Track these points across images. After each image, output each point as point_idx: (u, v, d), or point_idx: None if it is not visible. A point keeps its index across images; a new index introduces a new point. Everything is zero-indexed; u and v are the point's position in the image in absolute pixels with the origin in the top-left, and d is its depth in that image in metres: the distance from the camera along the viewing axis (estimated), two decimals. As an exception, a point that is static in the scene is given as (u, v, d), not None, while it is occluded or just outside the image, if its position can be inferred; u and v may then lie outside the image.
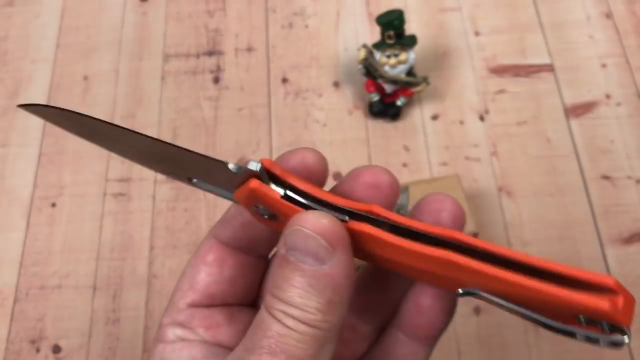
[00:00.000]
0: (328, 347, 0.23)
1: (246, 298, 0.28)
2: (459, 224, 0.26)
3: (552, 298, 0.21)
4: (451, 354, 0.51)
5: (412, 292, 0.27)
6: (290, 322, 0.23)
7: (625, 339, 0.21)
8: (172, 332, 0.26)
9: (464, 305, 0.52)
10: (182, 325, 0.27)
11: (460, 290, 0.24)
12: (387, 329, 0.28)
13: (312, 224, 0.23)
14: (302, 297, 0.23)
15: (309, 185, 0.25)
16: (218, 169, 0.25)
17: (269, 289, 0.24)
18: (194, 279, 0.27)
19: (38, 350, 0.52)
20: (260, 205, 0.25)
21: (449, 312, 0.27)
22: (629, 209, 0.56)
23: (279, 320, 0.23)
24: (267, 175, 0.24)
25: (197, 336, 0.27)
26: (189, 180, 0.27)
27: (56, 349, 0.52)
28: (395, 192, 0.26)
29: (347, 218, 0.24)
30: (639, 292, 0.56)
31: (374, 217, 0.24)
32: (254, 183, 0.24)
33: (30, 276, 0.55)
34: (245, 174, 0.24)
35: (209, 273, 0.27)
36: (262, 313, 0.23)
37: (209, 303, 0.27)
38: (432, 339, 0.27)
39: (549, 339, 0.51)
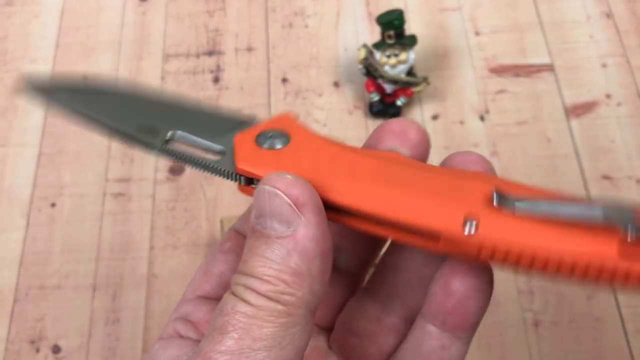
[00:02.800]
0: (295, 332, 0.20)
1: None
2: (424, 146, 0.25)
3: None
4: (451, 354, 0.51)
5: (441, 271, 0.23)
6: (248, 295, 0.20)
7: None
8: (173, 328, 0.24)
9: (464, 306, 0.52)
10: (185, 318, 0.24)
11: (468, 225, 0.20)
12: (416, 320, 0.24)
13: (275, 180, 0.20)
14: (264, 265, 0.20)
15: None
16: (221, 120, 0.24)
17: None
18: (208, 268, 0.25)
19: (38, 351, 0.52)
20: (277, 130, 0.23)
21: (485, 292, 0.22)
22: (629, 209, 0.56)
23: (237, 295, 0.20)
24: None
25: (197, 333, 0.24)
26: (162, 143, 0.24)
27: (56, 349, 0.52)
28: (423, 144, 0.24)
29: None
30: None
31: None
32: (287, 113, 0.24)
33: (30, 276, 0.55)
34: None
35: (225, 261, 0.25)
36: (227, 292, 0.21)
37: (223, 293, 0.24)
38: (465, 330, 0.23)
39: (549, 338, 0.51)
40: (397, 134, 0.24)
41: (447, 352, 0.23)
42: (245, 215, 0.26)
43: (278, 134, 0.23)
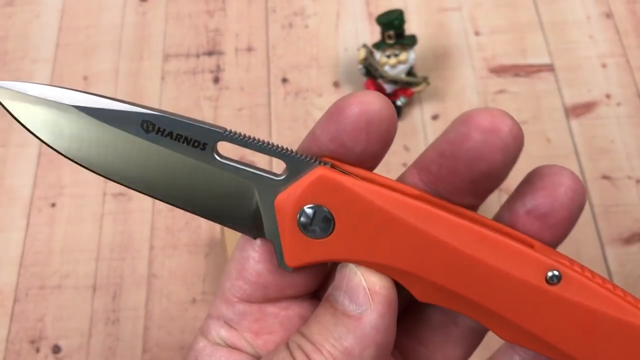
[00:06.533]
0: None
1: (307, 287, 0.24)
2: (578, 202, 0.21)
3: None
4: (451, 354, 0.51)
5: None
6: (299, 355, 0.21)
7: None
8: (216, 331, 0.23)
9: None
10: (229, 324, 0.24)
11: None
12: (501, 351, 0.25)
13: (362, 270, 0.21)
14: (321, 333, 0.21)
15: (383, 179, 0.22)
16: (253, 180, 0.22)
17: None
18: (242, 267, 0.23)
19: (38, 350, 0.52)
20: (317, 206, 0.21)
21: None
22: (629, 209, 0.56)
23: (290, 350, 0.21)
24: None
25: (244, 343, 0.23)
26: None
27: (56, 349, 0.52)
28: (517, 141, 0.20)
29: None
30: (639, 292, 0.57)
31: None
32: (322, 170, 0.21)
33: (30, 276, 0.55)
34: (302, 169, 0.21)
35: (259, 260, 0.23)
36: (282, 343, 0.22)
37: (263, 296, 0.23)
38: None
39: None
40: (487, 131, 0.20)
41: None
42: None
43: (319, 212, 0.21)
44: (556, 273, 0.20)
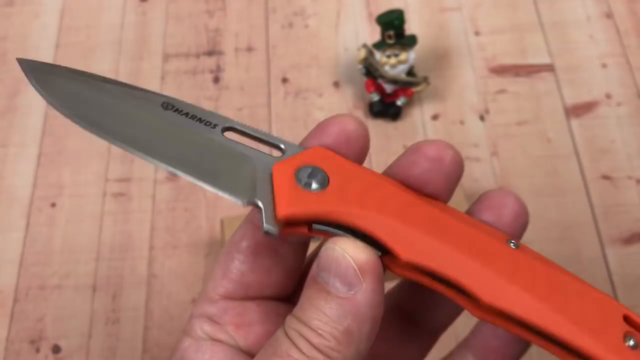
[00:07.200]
0: None
1: (284, 290, 0.26)
2: (521, 222, 0.25)
3: None
4: (451, 354, 0.51)
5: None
6: (301, 343, 0.22)
7: None
8: (200, 327, 0.25)
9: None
10: (211, 319, 0.25)
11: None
12: (456, 349, 0.27)
13: (345, 243, 0.22)
14: (320, 319, 0.22)
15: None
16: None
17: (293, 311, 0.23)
18: (227, 267, 0.25)
19: (38, 351, 0.52)
20: (314, 167, 0.23)
21: (525, 343, 0.26)
22: (629, 209, 0.56)
23: (291, 340, 0.22)
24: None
25: (226, 335, 0.25)
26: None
27: (56, 349, 0.52)
28: (458, 168, 0.24)
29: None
30: (639, 292, 0.56)
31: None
32: (318, 147, 0.24)
33: (30, 276, 0.55)
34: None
35: (243, 261, 0.25)
36: (279, 331, 0.23)
37: (244, 294, 0.25)
38: None
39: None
40: (433, 159, 0.24)
41: None
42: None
43: (316, 171, 0.23)
44: (513, 242, 0.24)
